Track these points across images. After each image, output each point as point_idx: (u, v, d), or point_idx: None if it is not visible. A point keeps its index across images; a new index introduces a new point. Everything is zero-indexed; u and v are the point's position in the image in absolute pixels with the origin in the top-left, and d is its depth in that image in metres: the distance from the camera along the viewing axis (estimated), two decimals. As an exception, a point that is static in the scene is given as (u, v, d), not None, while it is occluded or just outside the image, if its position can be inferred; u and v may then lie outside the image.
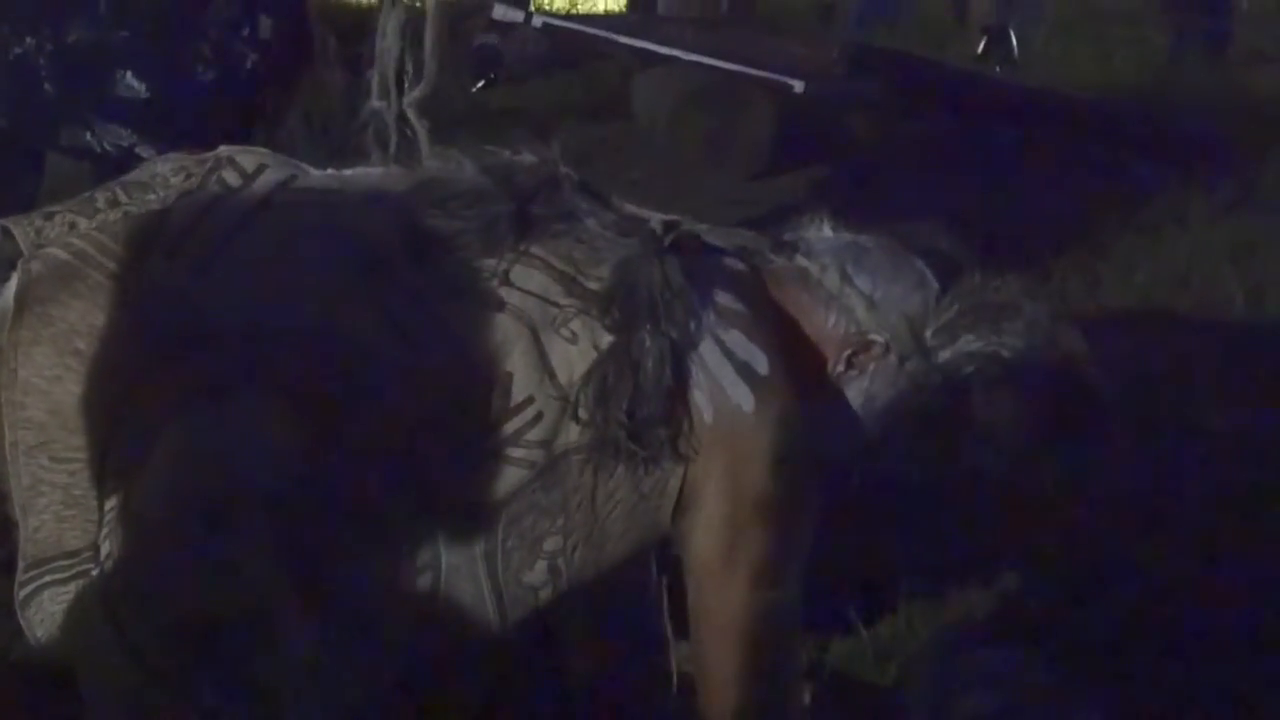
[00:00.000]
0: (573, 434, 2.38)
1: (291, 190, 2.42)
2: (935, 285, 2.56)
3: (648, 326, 2.39)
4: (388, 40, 3.54)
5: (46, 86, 3.59)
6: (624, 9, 8.68)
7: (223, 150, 2.47)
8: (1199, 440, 4.01)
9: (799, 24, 8.15)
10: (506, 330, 2.37)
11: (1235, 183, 5.78)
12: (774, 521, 2.42)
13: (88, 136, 3.61)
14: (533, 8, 7.36)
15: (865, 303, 2.55)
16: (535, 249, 2.43)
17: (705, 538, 2.42)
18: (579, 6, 8.96)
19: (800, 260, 2.58)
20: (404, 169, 2.54)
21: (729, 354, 2.43)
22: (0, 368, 2.30)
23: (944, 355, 2.54)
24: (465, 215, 2.41)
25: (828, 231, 2.63)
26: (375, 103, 3.37)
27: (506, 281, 2.39)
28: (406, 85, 3.58)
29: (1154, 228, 5.53)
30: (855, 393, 2.56)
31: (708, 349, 2.43)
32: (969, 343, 2.53)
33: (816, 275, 2.57)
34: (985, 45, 7.23)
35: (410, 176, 2.50)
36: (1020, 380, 2.51)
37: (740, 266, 2.56)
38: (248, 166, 2.44)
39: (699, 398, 2.41)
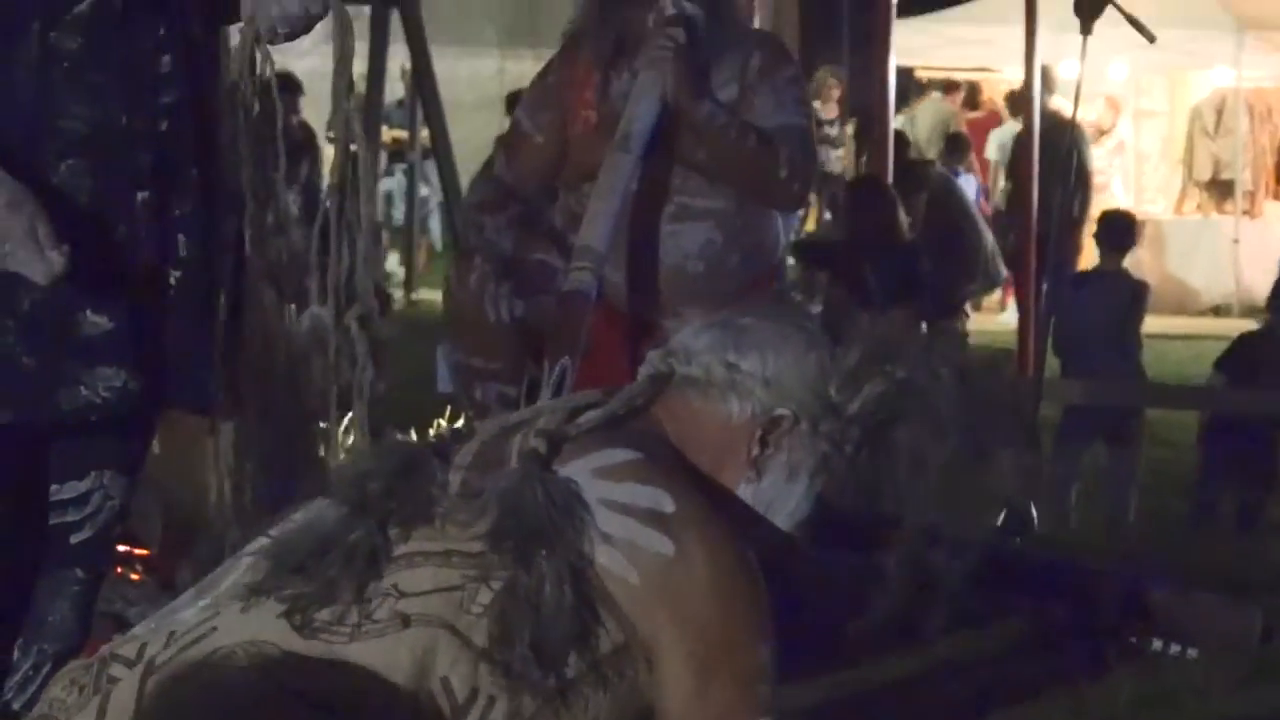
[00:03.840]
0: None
1: (171, 661, 2.39)
2: (823, 341, 2.56)
3: (542, 553, 2.34)
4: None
5: None
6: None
7: (104, 650, 2.48)
8: None
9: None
10: (423, 643, 2.33)
11: (1254, 655, 5.75)
12: (735, 643, 2.38)
13: None
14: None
15: (760, 382, 2.53)
16: (409, 546, 2.41)
17: (676, 688, 2.38)
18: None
19: (681, 370, 2.56)
20: (252, 544, 2.50)
21: (630, 510, 2.39)
22: None
23: (853, 407, 2.54)
24: (324, 568, 2.38)
25: (696, 325, 2.62)
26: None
27: (400, 594, 2.37)
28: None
29: (1172, 697, 5.49)
30: (777, 468, 2.53)
31: (609, 523, 2.38)
32: (874, 387, 2.53)
33: (703, 378, 2.55)
34: (1005, 517, 7.30)
35: (261, 558, 2.45)
36: (931, 404, 2.54)
37: (621, 414, 2.52)
38: (130, 654, 2.44)
39: (618, 569, 2.36)
